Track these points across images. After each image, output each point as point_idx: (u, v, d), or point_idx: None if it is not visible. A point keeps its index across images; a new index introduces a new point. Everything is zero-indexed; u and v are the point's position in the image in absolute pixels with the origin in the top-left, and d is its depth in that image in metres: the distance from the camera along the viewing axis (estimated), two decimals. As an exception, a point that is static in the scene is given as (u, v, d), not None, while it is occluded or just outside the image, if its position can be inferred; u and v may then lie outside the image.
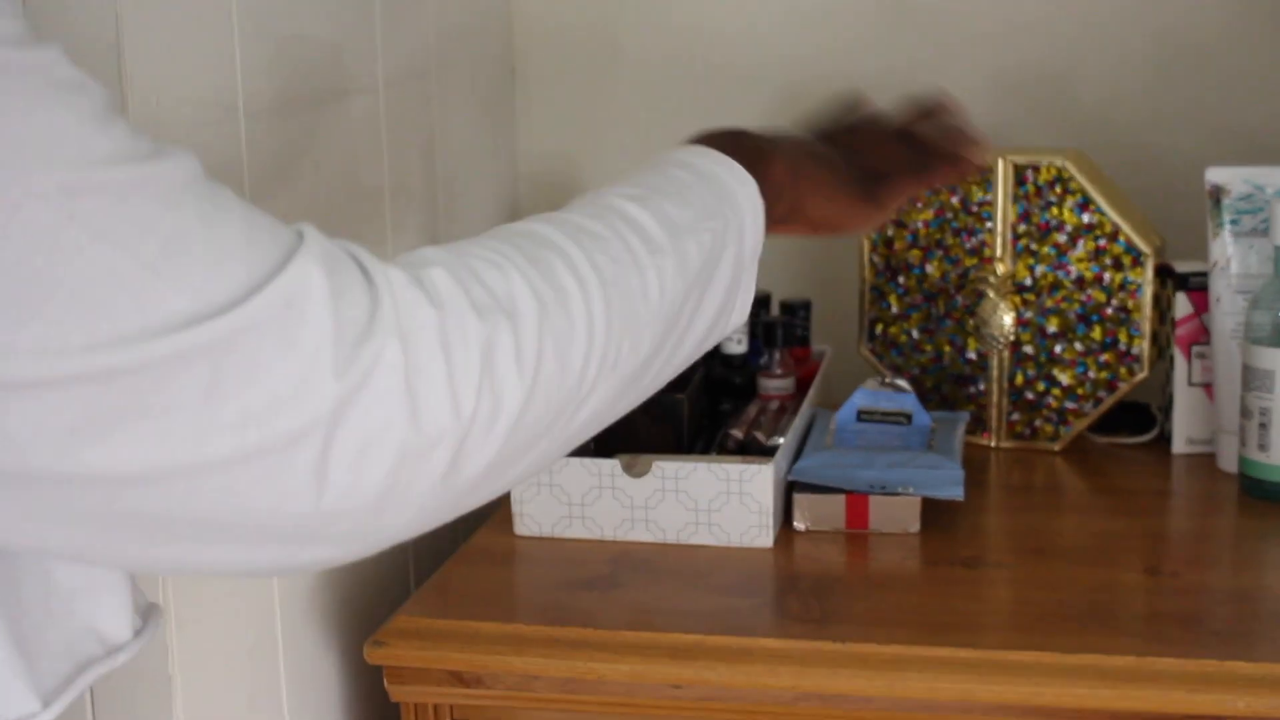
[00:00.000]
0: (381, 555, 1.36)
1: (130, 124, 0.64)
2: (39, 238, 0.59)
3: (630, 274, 0.87)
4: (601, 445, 1.40)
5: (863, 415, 1.51)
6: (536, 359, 0.76)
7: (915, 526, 1.38)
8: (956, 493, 1.38)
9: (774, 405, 1.54)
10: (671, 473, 1.35)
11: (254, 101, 1.20)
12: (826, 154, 1.13)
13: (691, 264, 0.92)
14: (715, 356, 1.58)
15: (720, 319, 0.97)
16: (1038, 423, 1.60)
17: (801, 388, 1.58)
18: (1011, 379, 1.60)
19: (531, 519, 1.39)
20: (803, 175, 1.08)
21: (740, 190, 0.98)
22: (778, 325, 1.57)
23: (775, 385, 1.56)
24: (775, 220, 1.03)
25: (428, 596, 1.29)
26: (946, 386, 1.63)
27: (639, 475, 1.36)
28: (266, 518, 0.66)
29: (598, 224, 0.88)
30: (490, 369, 0.72)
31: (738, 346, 1.58)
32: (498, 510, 1.44)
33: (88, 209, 0.60)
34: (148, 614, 0.84)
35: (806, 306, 1.65)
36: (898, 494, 1.37)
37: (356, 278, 0.69)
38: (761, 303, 1.64)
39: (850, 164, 1.13)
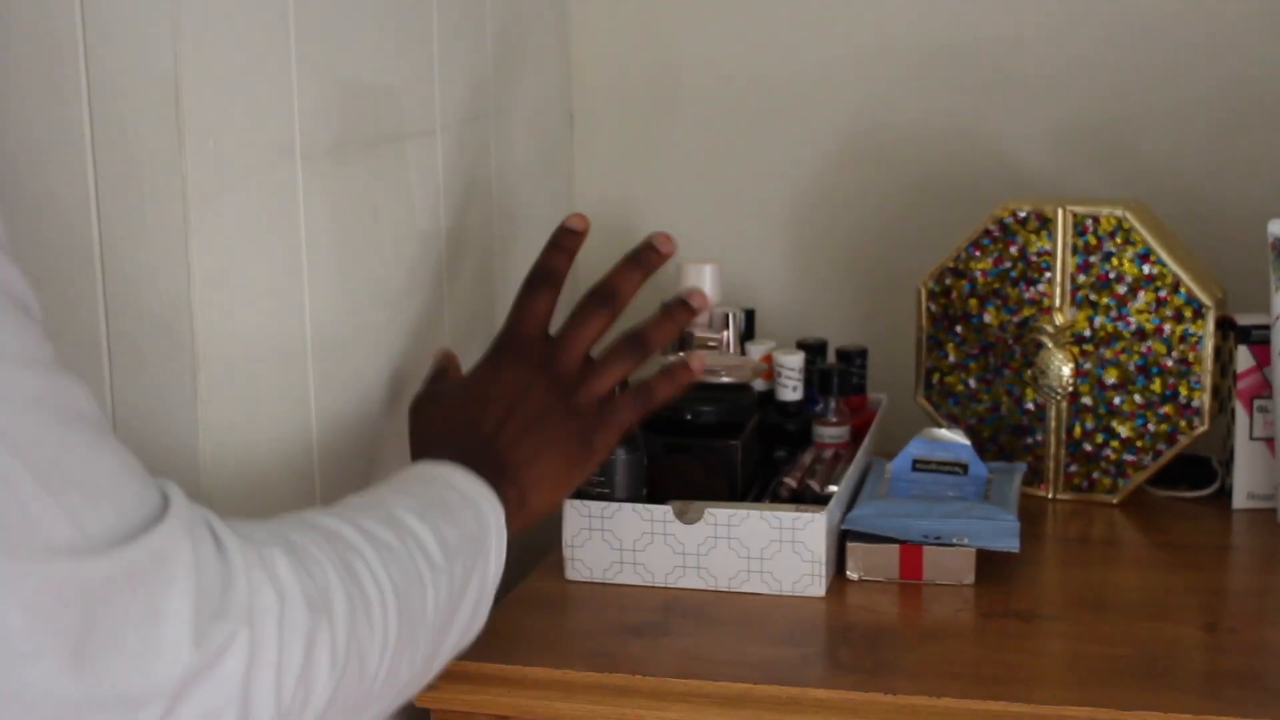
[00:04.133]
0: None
1: (41, 330, 0.63)
2: None
3: (415, 590, 0.92)
4: (654, 492, 1.40)
5: (918, 465, 1.50)
6: (345, 658, 0.79)
7: (970, 578, 1.36)
8: (1012, 544, 1.36)
9: (828, 453, 1.53)
10: (724, 520, 1.34)
11: (311, 145, 1.20)
12: (552, 430, 1.19)
13: (457, 583, 0.98)
14: (770, 403, 1.57)
15: (462, 638, 1.05)
16: (1096, 475, 1.58)
17: (856, 436, 1.57)
18: (1070, 430, 1.58)
19: (583, 564, 1.38)
20: (530, 488, 1.16)
21: (493, 520, 1.07)
22: (833, 373, 1.56)
23: (830, 433, 1.55)
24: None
25: (477, 641, 1.28)
26: (1003, 437, 1.61)
27: (691, 522, 1.35)
28: None
29: (390, 534, 0.93)
30: (310, 662, 0.75)
31: (793, 394, 1.57)
32: (548, 555, 1.44)
33: None
34: None
35: (863, 354, 1.64)
36: (952, 545, 1.36)
37: (212, 549, 0.71)
38: (817, 350, 1.63)
39: (571, 410, 1.21)
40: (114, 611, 0.63)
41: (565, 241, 1.27)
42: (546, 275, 1.26)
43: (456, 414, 1.20)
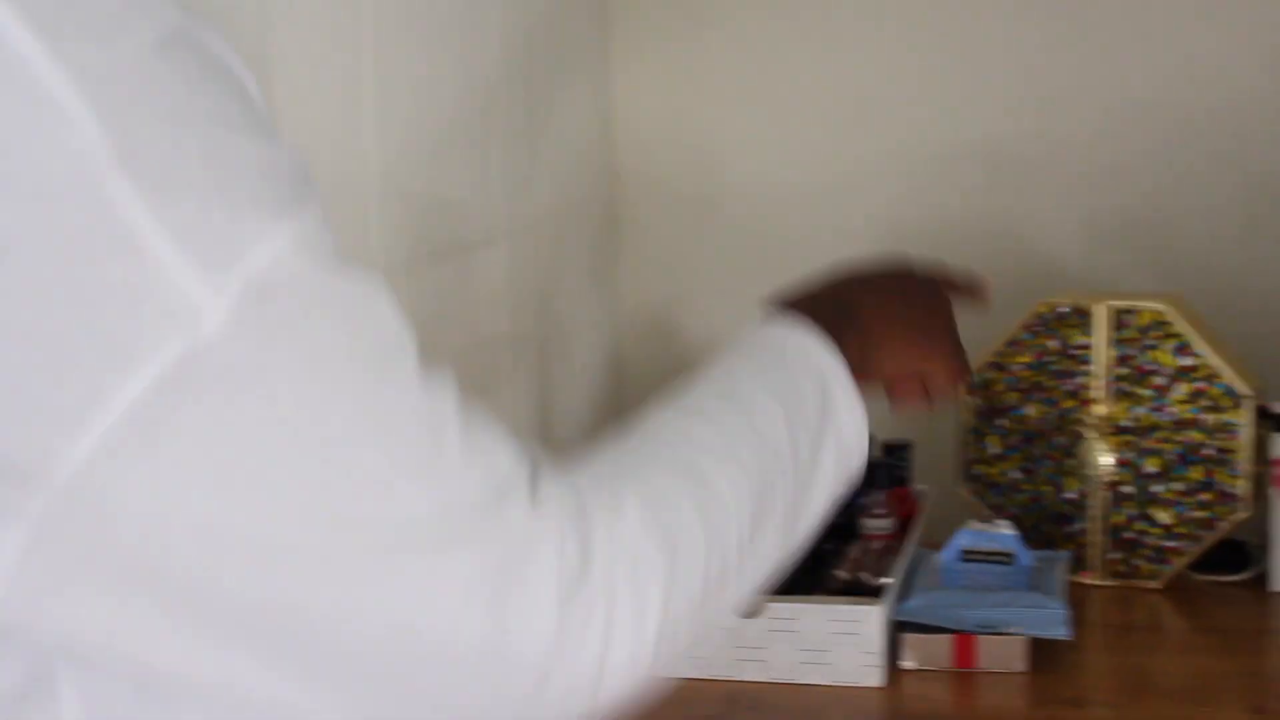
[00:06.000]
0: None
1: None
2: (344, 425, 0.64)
3: (770, 501, 0.89)
4: (712, 585, 1.44)
5: (966, 555, 1.54)
6: (677, 615, 0.77)
7: (1022, 666, 1.40)
8: (1063, 632, 1.40)
9: (877, 545, 1.57)
10: (783, 613, 1.38)
11: (389, 257, 1.25)
12: (905, 299, 1.16)
13: (804, 470, 0.93)
14: (817, 496, 1.60)
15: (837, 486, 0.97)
16: (1137, 562, 1.62)
17: (902, 527, 1.61)
18: (1111, 519, 1.62)
19: (644, 658, 1.41)
20: (874, 341, 1.09)
21: (848, 417, 0.98)
22: (879, 466, 1.60)
23: (877, 525, 1.59)
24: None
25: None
26: (1046, 526, 1.65)
27: (752, 615, 1.39)
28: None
29: (748, 451, 0.89)
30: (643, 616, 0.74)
31: (839, 486, 1.60)
32: (610, 649, 1.47)
33: (354, 394, 0.65)
34: None
35: (907, 447, 1.68)
36: (1005, 633, 1.40)
37: (576, 523, 0.72)
38: (862, 443, 1.67)
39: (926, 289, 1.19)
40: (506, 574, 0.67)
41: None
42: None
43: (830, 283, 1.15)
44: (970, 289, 1.26)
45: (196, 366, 0.58)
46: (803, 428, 0.95)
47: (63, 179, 0.55)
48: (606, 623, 0.72)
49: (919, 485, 1.72)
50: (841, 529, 1.59)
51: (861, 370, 1.05)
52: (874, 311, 1.11)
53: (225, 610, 0.63)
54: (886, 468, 1.60)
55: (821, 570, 1.53)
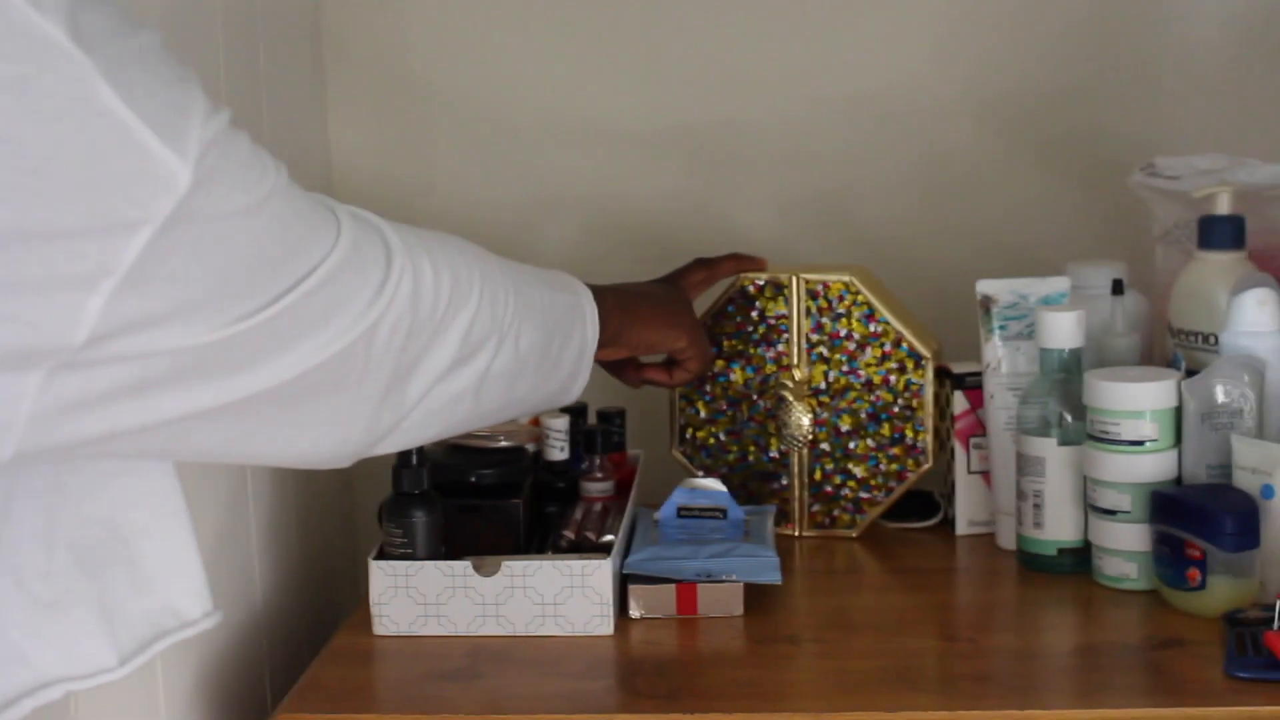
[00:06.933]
0: (241, 657, 1.44)
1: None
2: (276, 227, 0.86)
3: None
4: (450, 549, 1.53)
5: (683, 512, 1.66)
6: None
7: (739, 610, 1.52)
8: (775, 577, 1.53)
9: (597, 507, 1.67)
10: (519, 571, 1.48)
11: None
12: (651, 291, 1.55)
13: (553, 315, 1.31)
14: (539, 464, 1.71)
15: (569, 383, 1.38)
16: (836, 513, 1.76)
17: (621, 489, 1.72)
18: (811, 474, 1.76)
19: (390, 619, 1.50)
20: (628, 308, 1.49)
21: (582, 290, 1.40)
22: (596, 433, 1.71)
23: (597, 488, 1.70)
24: (604, 341, 1.42)
25: (305, 695, 1.39)
26: (753, 483, 1.78)
27: (489, 574, 1.48)
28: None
29: (520, 291, 1.22)
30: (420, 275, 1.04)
31: (560, 454, 1.71)
32: (354, 614, 1.55)
33: (274, 208, 0.86)
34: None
35: (621, 414, 1.79)
36: (722, 581, 1.52)
37: (375, 232, 1.00)
38: (579, 413, 1.77)
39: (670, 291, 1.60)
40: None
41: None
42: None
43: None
44: (741, 265, 1.73)
45: (181, 214, 0.76)
46: (557, 319, 1.30)
47: (71, 97, 0.72)
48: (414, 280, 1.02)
49: (634, 450, 1.83)
50: (563, 493, 1.70)
51: (618, 338, 1.47)
52: (637, 300, 1.53)
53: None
54: (603, 434, 1.71)
55: (546, 532, 1.63)
